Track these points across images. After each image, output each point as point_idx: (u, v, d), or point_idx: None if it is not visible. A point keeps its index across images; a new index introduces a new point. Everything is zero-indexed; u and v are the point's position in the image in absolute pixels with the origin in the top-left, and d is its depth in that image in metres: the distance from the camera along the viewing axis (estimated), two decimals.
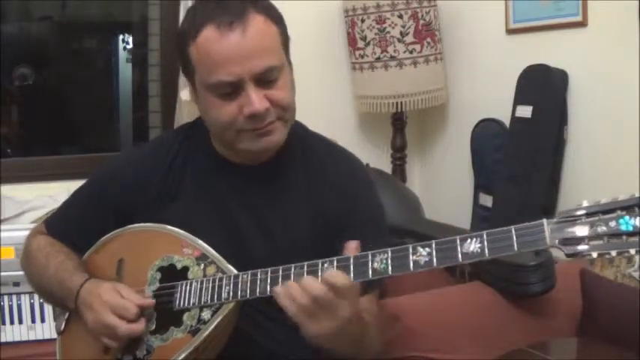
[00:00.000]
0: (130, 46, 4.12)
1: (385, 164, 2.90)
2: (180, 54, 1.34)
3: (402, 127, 2.90)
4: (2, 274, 2.11)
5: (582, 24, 2.32)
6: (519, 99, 2.49)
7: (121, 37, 4.16)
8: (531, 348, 1.78)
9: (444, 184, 2.99)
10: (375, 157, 2.87)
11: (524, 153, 2.46)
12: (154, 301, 1.33)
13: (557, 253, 2.13)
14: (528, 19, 2.51)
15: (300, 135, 1.46)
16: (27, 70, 3.59)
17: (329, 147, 1.50)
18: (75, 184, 1.57)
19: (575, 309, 1.95)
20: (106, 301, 1.30)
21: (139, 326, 1.30)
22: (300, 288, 1.16)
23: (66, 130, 3.89)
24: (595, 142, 2.32)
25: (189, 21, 1.32)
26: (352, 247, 1.19)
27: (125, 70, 4.17)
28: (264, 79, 1.28)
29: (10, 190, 2.48)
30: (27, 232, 1.60)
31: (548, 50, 2.44)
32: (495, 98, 2.64)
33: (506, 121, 2.56)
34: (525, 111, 2.46)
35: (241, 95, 1.28)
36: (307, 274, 1.20)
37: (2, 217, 2.38)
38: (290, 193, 1.41)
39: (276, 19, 1.33)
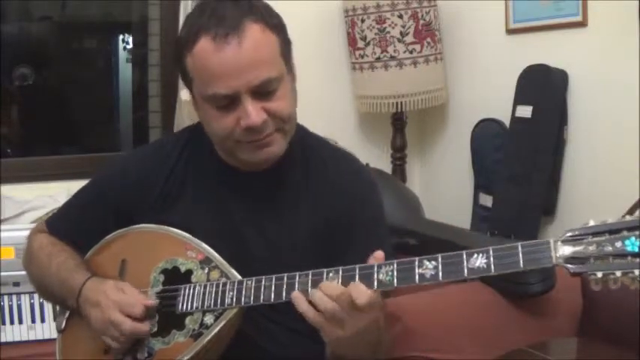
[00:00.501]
0: (130, 46, 4.12)
1: (385, 164, 2.91)
2: (178, 62, 1.33)
3: (402, 127, 2.90)
4: (2, 274, 2.11)
5: (582, 24, 2.32)
6: (519, 99, 2.49)
7: (121, 37, 4.16)
8: (531, 348, 1.78)
9: (444, 184, 2.98)
10: (375, 157, 2.87)
11: (524, 153, 2.46)
12: (157, 301, 1.33)
13: None
14: (528, 19, 2.51)
15: (301, 138, 1.45)
16: (27, 70, 3.59)
17: (330, 149, 1.49)
18: (75, 184, 1.57)
19: (575, 309, 1.95)
20: (112, 298, 1.31)
21: (144, 326, 1.30)
22: (322, 293, 1.16)
23: (66, 130, 3.89)
24: (595, 142, 2.32)
25: (186, 29, 1.30)
26: (379, 257, 1.18)
27: (125, 70, 4.17)
28: (262, 91, 1.27)
29: (10, 190, 2.48)
30: (27, 232, 1.60)
31: (548, 50, 2.44)
32: (495, 98, 2.64)
33: (506, 121, 2.56)
34: (525, 111, 2.46)
35: (238, 107, 1.27)
36: (312, 282, 1.19)
37: (2, 217, 2.38)
38: (291, 198, 1.41)
39: (275, 26, 1.30)
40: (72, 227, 1.50)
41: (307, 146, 1.46)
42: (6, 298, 2.14)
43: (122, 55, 4.17)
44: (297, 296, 1.18)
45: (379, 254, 1.18)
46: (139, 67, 3.86)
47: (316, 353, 1.41)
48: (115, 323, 1.29)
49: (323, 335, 1.20)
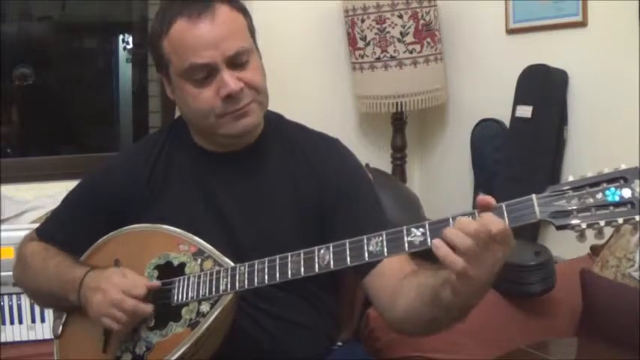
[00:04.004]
0: (130, 46, 4.12)
1: (385, 164, 2.90)
2: (154, 53, 1.40)
3: (402, 127, 2.90)
4: (2, 274, 2.10)
5: (582, 24, 2.32)
6: (519, 99, 2.49)
7: (121, 37, 4.16)
8: (531, 348, 1.78)
9: (444, 184, 2.98)
10: (375, 157, 2.87)
11: (524, 153, 2.46)
12: (159, 283, 1.33)
13: (557, 253, 2.13)
14: (528, 19, 2.51)
15: (276, 122, 1.50)
16: (27, 70, 3.59)
17: (307, 131, 1.53)
18: (74, 184, 1.57)
19: (575, 309, 1.95)
20: (113, 281, 1.32)
21: (146, 307, 1.30)
22: (459, 230, 1.08)
23: (66, 130, 3.89)
24: (595, 142, 2.32)
25: (159, 20, 1.37)
26: (485, 201, 1.13)
27: (125, 70, 4.17)
28: (236, 62, 1.33)
29: (10, 190, 2.48)
30: (27, 232, 1.60)
31: (548, 50, 2.44)
32: (495, 98, 2.64)
33: (506, 121, 2.56)
34: (525, 111, 2.46)
35: (216, 79, 1.32)
36: (304, 261, 1.21)
37: (2, 217, 2.38)
38: (271, 178, 1.44)
39: (241, 9, 1.39)
40: (63, 232, 1.51)
41: (283, 129, 1.50)
42: (6, 298, 2.14)
43: (122, 55, 4.18)
44: (437, 243, 1.10)
45: (483, 199, 1.12)
46: (139, 67, 3.87)
47: (313, 345, 1.43)
48: (116, 302, 1.29)
49: (458, 281, 1.12)
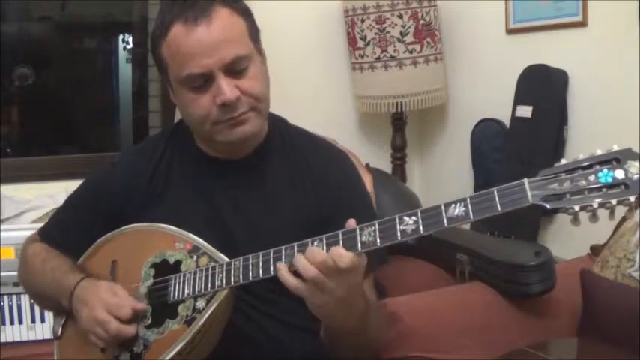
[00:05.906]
0: (130, 46, 4.12)
1: (385, 164, 2.90)
2: (154, 56, 1.39)
3: (402, 127, 2.90)
4: (2, 274, 2.11)
5: (582, 24, 2.32)
6: (519, 99, 2.49)
7: (121, 37, 4.16)
8: (531, 348, 1.78)
9: (444, 184, 2.98)
10: (375, 157, 2.87)
11: (524, 153, 2.46)
12: (148, 307, 1.34)
13: (557, 253, 2.13)
14: (528, 19, 2.51)
15: (280, 128, 1.50)
16: (27, 70, 3.60)
17: (310, 138, 1.53)
18: (75, 184, 1.58)
19: (575, 309, 1.94)
20: (101, 298, 1.32)
21: (130, 329, 1.31)
22: (306, 259, 1.17)
23: (66, 130, 3.89)
24: (595, 142, 2.31)
25: (159, 22, 1.36)
26: (352, 224, 1.20)
27: (125, 70, 4.17)
28: (234, 69, 1.32)
29: (10, 190, 2.48)
30: (27, 232, 1.61)
31: (548, 50, 2.43)
32: (495, 98, 2.64)
33: (506, 121, 2.56)
34: (525, 111, 2.46)
35: (212, 86, 1.31)
36: (298, 253, 1.21)
37: (2, 217, 2.38)
38: (273, 185, 1.44)
39: (242, 11, 1.37)
40: (64, 233, 1.52)
41: (286, 135, 1.49)
42: (6, 298, 2.14)
43: (122, 55, 4.18)
44: (279, 267, 1.20)
45: (351, 222, 1.20)
46: (139, 67, 3.87)
47: (310, 346, 1.43)
48: (100, 322, 1.30)
49: (308, 304, 1.21)
